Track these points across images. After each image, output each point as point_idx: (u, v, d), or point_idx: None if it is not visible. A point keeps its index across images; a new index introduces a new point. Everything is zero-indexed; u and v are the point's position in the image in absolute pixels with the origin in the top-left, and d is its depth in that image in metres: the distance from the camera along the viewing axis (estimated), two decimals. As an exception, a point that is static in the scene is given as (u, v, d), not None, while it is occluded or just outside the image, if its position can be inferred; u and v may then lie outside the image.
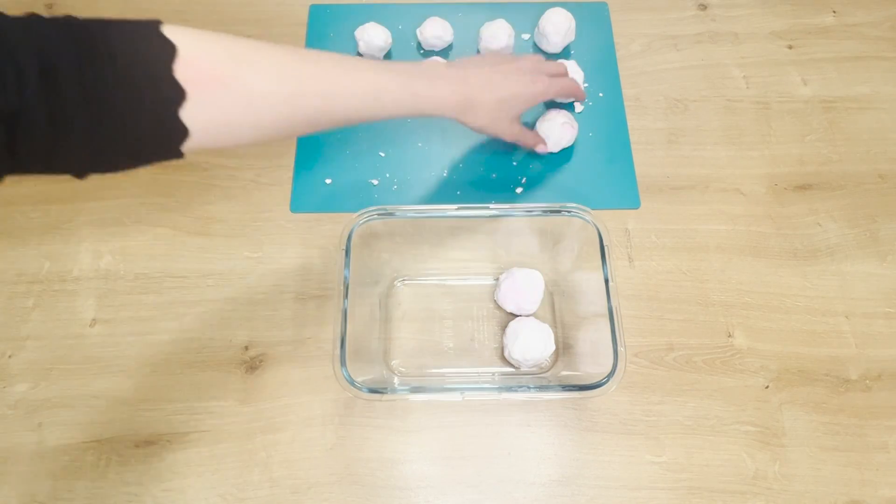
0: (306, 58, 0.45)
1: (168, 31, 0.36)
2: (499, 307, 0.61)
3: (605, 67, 0.74)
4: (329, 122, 0.46)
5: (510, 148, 0.66)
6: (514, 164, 0.68)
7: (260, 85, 0.40)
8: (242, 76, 0.39)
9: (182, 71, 0.36)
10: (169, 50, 0.36)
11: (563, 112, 0.67)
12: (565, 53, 0.75)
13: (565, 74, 0.64)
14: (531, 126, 0.66)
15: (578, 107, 0.71)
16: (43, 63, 0.32)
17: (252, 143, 0.43)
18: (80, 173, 0.37)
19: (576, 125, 0.67)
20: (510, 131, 0.60)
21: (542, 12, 0.73)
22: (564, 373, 0.57)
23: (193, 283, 0.61)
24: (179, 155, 0.39)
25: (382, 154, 0.69)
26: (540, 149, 0.65)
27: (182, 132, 0.37)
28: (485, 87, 0.54)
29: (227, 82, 0.38)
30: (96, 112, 0.34)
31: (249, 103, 0.40)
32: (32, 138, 0.32)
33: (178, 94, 0.36)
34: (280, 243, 0.64)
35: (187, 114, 0.37)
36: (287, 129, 0.44)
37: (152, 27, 0.36)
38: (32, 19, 0.33)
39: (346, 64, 0.46)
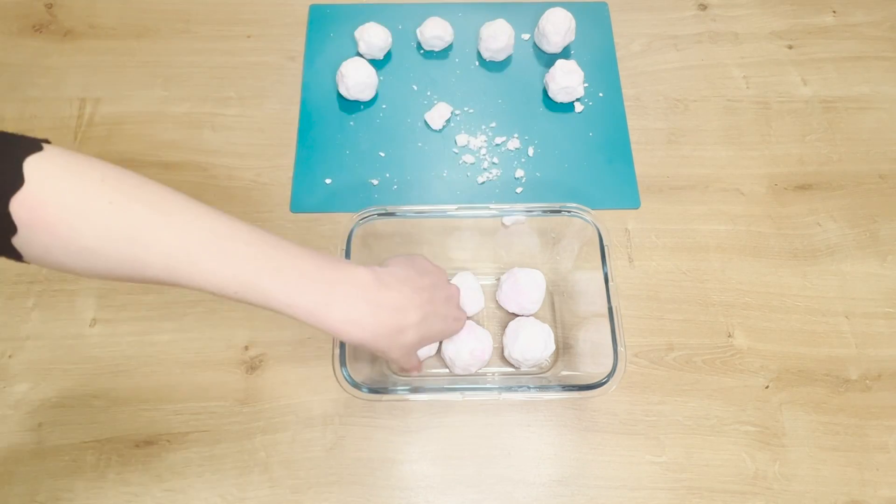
0: (160, 214, 0.37)
1: (37, 160, 0.34)
2: (499, 307, 0.61)
3: (605, 67, 0.74)
4: (171, 284, 0.39)
5: None
6: (515, 163, 0.68)
7: (93, 241, 0.36)
8: (77, 228, 0.35)
9: (18, 207, 0.34)
10: (15, 183, 0.33)
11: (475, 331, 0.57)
12: (565, 53, 0.75)
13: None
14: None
15: (578, 106, 0.71)
16: None
17: (91, 276, 0.38)
18: None
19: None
20: (409, 363, 0.48)
21: (542, 12, 0.73)
22: (564, 373, 0.57)
23: (193, 283, 0.61)
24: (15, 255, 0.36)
25: (382, 154, 0.69)
26: (413, 375, 0.57)
27: (15, 254, 0.36)
28: (420, 321, 0.44)
29: (60, 233, 0.35)
30: None
31: (80, 253, 0.36)
32: None
33: (9, 226, 0.34)
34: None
35: (19, 243, 0.35)
36: (122, 277, 0.38)
37: (15, 151, 0.34)
38: None
39: (200, 235, 0.38)
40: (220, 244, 0.38)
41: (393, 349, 0.44)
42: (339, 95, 0.71)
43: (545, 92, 0.72)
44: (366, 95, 0.70)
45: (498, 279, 0.61)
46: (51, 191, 0.35)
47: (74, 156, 0.36)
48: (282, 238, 0.41)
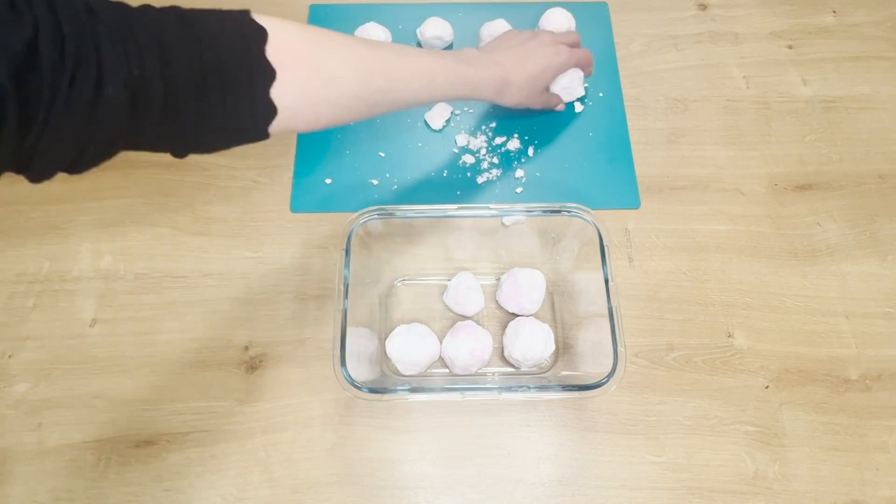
0: (370, 45, 0.50)
1: (258, 18, 0.41)
2: (499, 307, 0.61)
3: (605, 67, 0.74)
4: (390, 103, 0.51)
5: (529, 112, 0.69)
6: (515, 163, 0.68)
7: (335, 65, 0.45)
8: (321, 57, 0.44)
9: (272, 53, 0.41)
10: (262, 34, 0.41)
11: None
12: None
13: (579, 44, 0.68)
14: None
15: (578, 106, 0.71)
16: (159, 42, 0.37)
17: (328, 123, 0.47)
18: (180, 153, 0.43)
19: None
20: (540, 101, 0.65)
21: (542, 12, 0.73)
22: (564, 373, 0.57)
23: (193, 283, 0.61)
24: (266, 136, 0.44)
25: (382, 154, 0.69)
26: (559, 107, 0.70)
27: (272, 111, 0.42)
28: (517, 66, 0.59)
29: (310, 63, 0.43)
30: (201, 94, 0.38)
31: (327, 82, 0.44)
32: (149, 111, 0.37)
33: (269, 75, 0.41)
34: (280, 243, 0.64)
35: (276, 93, 0.41)
36: (356, 108, 0.48)
37: (245, 15, 0.41)
38: (147, 7, 0.38)
39: (403, 51, 0.51)
40: (441, 65, 0.53)
41: (518, 89, 0.60)
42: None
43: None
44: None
45: (498, 279, 0.61)
46: (289, 33, 0.42)
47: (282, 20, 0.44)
48: (450, 53, 0.58)
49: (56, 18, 0.33)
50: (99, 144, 0.37)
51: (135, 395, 0.57)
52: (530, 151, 0.69)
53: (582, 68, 0.68)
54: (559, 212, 0.55)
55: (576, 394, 0.49)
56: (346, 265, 0.51)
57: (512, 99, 0.61)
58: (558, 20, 0.71)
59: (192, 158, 0.67)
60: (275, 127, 0.44)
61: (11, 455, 0.54)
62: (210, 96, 0.39)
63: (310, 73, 0.43)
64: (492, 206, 0.55)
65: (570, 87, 0.69)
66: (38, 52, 0.31)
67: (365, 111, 0.50)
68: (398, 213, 0.54)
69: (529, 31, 0.64)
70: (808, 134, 0.71)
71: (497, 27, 0.72)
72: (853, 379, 0.59)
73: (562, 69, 0.64)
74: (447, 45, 0.74)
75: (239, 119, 0.42)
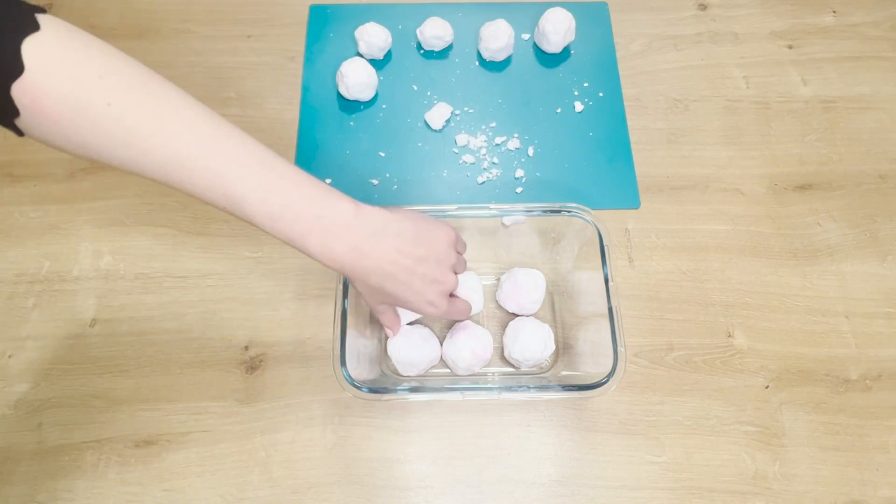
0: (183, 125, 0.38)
1: (35, 42, 0.34)
2: (499, 307, 0.61)
3: (605, 67, 0.74)
4: (172, 188, 0.39)
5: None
6: (515, 163, 0.68)
7: (93, 142, 0.36)
8: (77, 125, 0.35)
9: (20, 94, 0.34)
10: (16, 70, 0.34)
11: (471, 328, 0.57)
12: (565, 53, 0.75)
13: (464, 302, 0.53)
14: None
15: (579, 106, 0.71)
16: None
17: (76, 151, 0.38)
18: None
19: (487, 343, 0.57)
20: (373, 306, 0.50)
21: (542, 12, 0.73)
22: (564, 373, 0.57)
23: (193, 283, 0.61)
24: (13, 128, 0.36)
25: (382, 154, 0.69)
26: (387, 333, 0.55)
27: (19, 132, 0.36)
28: (375, 273, 0.44)
29: (60, 125, 0.35)
30: None
31: (81, 149, 0.37)
32: None
33: (12, 110, 0.34)
34: (280, 243, 0.63)
35: (22, 125, 0.35)
36: (121, 169, 0.38)
37: (17, 34, 0.34)
38: None
39: (219, 150, 0.38)
40: (211, 160, 0.38)
41: (357, 281, 0.45)
42: (339, 95, 0.71)
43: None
44: (366, 95, 0.70)
45: (498, 279, 0.61)
46: (51, 82, 0.35)
47: (72, 38, 0.36)
48: (276, 158, 0.41)
49: None
50: None
51: (135, 395, 0.57)
52: (530, 151, 0.69)
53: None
54: (559, 212, 0.55)
55: (576, 394, 0.49)
56: (346, 265, 0.51)
57: (345, 273, 0.45)
58: (558, 20, 0.71)
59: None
60: (24, 125, 0.36)
61: (11, 455, 0.54)
62: None
63: (58, 132, 0.36)
64: (492, 206, 0.55)
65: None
66: None
67: (138, 176, 0.39)
68: (398, 214, 0.54)
69: (449, 273, 0.48)
70: (808, 134, 0.71)
71: (497, 27, 0.71)
72: (853, 379, 0.59)
73: (418, 315, 0.53)
74: (447, 44, 0.74)
75: None
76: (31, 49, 0.34)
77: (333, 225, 0.42)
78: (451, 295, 0.50)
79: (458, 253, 0.50)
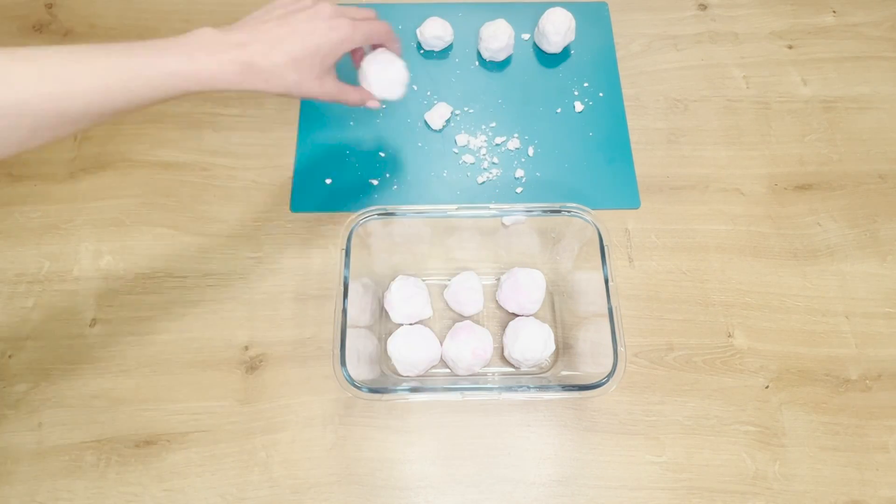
0: (32, 56, 0.40)
1: None
2: (499, 307, 0.61)
3: (605, 67, 0.74)
4: (67, 127, 0.42)
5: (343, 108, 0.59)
6: (515, 163, 0.68)
7: (16, 97, 0.38)
8: None
9: None
10: None
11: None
12: (565, 53, 0.75)
13: (374, 18, 0.54)
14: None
15: (579, 106, 0.71)
16: None
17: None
18: None
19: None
20: (322, 90, 0.51)
21: (542, 12, 0.73)
22: (564, 373, 0.57)
23: (193, 283, 0.61)
24: None
25: (382, 154, 0.69)
26: (370, 104, 0.56)
27: None
28: (270, 46, 0.47)
29: None
30: None
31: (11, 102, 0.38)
32: None
33: None
34: (280, 243, 0.64)
35: None
36: (17, 141, 0.40)
37: None
38: None
39: (79, 54, 0.41)
40: (130, 48, 0.43)
41: (276, 75, 0.48)
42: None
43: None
44: (394, 94, 0.57)
45: (498, 279, 0.61)
46: None
47: None
48: (159, 42, 0.45)
49: None
50: None
51: (135, 395, 0.57)
52: (530, 151, 0.69)
53: (386, 45, 0.55)
54: (559, 212, 0.55)
55: (576, 394, 0.49)
56: (346, 265, 0.51)
57: (270, 87, 0.48)
58: (558, 20, 0.71)
59: (192, 157, 0.67)
60: None
61: (11, 455, 0.54)
62: None
63: None
64: (492, 206, 0.55)
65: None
66: None
67: (32, 143, 0.41)
68: (398, 213, 0.54)
69: (306, 1, 0.51)
70: (808, 134, 0.71)
71: (497, 27, 0.71)
72: (853, 379, 0.59)
73: (342, 47, 0.50)
74: (447, 44, 0.74)
75: None
76: None
77: (200, 39, 0.46)
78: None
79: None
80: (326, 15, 0.50)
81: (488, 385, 0.57)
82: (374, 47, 0.57)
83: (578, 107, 0.71)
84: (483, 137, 0.70)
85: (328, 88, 0.51)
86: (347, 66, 0.56)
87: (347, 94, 0.54)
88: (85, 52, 0.41)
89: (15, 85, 0.38)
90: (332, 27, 0.49)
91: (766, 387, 0.58)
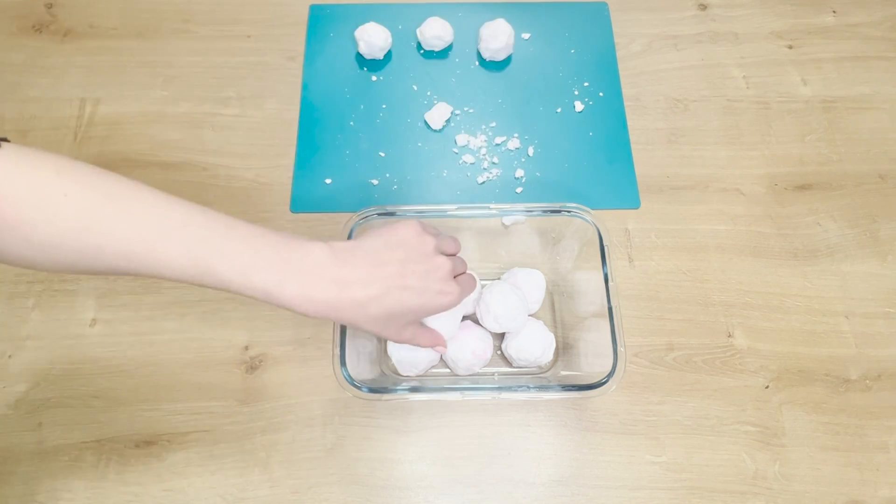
0: (128, 209, 0.37)
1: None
2: (499, 307, 0.61)
3: (605, 67, 0.74)
4: (138, 274, 0.39)
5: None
6: (515, 163, 0.68)
7: (52, 238, 0.36)
8: (34, 223, 0.35)
9: None
10: None
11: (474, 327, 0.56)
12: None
13: (459, 252, 0.51)
14: None
15: (579, 106, 0.71)
16: None
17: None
18: None
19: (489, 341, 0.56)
20: (399, 338, 0.47)
21: (543, 12, 0.73)
22: (564, 373, 0.57)
23: (193, 283, 0.61)
24: None
25: (382, 154, 0.69)
26: (438, 350, 0.53)
27: None
28: (371, 300, 0.42)
29: (17, 228, 0.35)
30: None
31: (40, 250, 0.36)
32: None
33: None
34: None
35: None
36: (90, 270, 0.39)
37: None
38: None
39: (181, 230, 0.38)
40: (174, 229, 0.38)
41: (361, 322, 0.43)
42: (339, 95, 0.71)
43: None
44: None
45: (498, 279, 0.61)
46: (6, 187, 0.34)
47: (31, 152, 0.36)
48: (237, 219, 0.40)
49: None
50: None
51: (135, 395, 0.57)
52: (530, 151, 0.69)
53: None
54: (559, 212, 0.55)
55: (576, 394, 0.49)
56: (346, 265, 0.51)
57: (345, 324, 0.46)
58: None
59: (192, 157, 0.67)
60: None
61: (11, 455, 0.54)
62: None
63: (16, 237, 0.35)
64: (492, 206, 0.55)
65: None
66: None
67: (101, 271, 0.39)
68: (398, 213, 0.54)
69: (428, 246, 0.46)
70: (808, 134, 0.71)
71: (497, 27, 0.72)
72: (853, 379, 0.59)
73: (440, 311, 0.47)
74: (447, 44, 0.74)
75: None
76: None
77: (305, 263, 0.40)
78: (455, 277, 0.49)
79: (434, 236, 0.48)
80: (440, 277, 0.45)
81: (488, 385, 0.57)
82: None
83: (578, 107, 0.71)
84: (483, 137, 0.70)
85: (405, 336, 0.48)
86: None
87: (419, 339, 0.50)
88: (185, 225, 0.38)
89: (109, 235, 0.37)
90: (443, 292, 0.45)
91: (766, 387, 0.58)
